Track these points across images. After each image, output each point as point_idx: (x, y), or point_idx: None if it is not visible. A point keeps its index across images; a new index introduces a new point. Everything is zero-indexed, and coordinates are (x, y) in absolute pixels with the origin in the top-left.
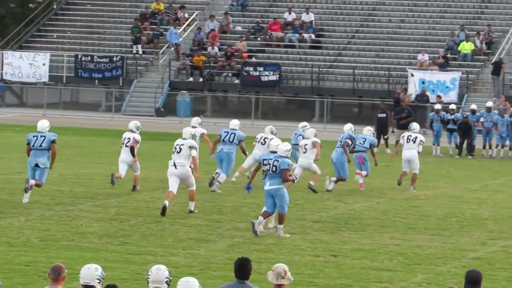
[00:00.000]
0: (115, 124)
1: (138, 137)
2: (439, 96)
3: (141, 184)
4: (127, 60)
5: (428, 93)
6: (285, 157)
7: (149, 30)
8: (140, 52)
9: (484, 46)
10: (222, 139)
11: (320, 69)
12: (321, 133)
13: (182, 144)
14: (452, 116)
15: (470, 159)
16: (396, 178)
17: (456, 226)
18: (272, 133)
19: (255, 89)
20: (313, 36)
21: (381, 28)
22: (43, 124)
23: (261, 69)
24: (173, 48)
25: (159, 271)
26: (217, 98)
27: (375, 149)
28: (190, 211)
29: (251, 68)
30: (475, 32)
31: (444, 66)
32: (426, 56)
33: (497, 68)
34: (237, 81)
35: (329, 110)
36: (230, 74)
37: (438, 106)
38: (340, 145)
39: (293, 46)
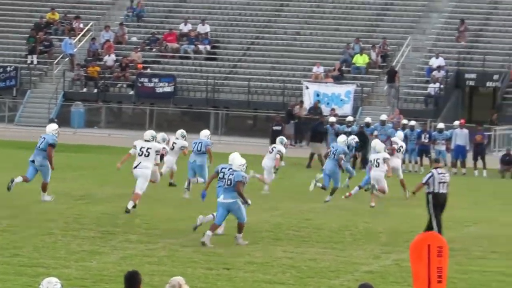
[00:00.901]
0: (9, 134)
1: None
2: (333, 109)
3: (35, 196)
4: (21, 70)
5: (322, 106)
6: (240, 171)
7: (44, 40)
8: (35, 62)
9: (379, 59)
10: (193, 149)
11: (215, 80)
12: (215, 145)
13: (150, 148)
14: (349, 129)
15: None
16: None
17: (349, 239)
18: (281, 143)
19: (150, 100)
20: (208, 47)
21: (276, 40)
22: (49, 128)
23: (156, 80)
24: (67, 59)
25: (49, 284)
26: (111, 109)
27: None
28: (127, 210)
29: (146, 79)
30: (371, 45)
31: (339, 78)
32: (321, 69)
33: (392, 75)
34: (131, 92)
35: (223, 122)
36: (124, 85)
37: (332, 119)
38: (334, 157)
39: (188, 58)
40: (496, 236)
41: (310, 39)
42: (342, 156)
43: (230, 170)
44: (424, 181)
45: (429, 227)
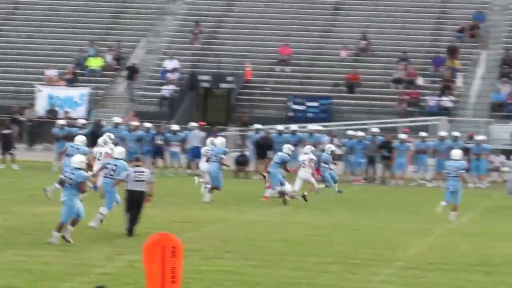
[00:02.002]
0: None
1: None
2: (67, 112)
3: None
4: None
5: (56, 108)
6: (80, 168)
7: None
8: None
9: (114, 61)
10: None
11: None
12: None
13: None
14: (82, 131)
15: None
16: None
17: (84, 242)
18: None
19: None
20: None
21: (8, 44)
22: None
23: None
24: None
25: None
26: None
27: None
28: None
29: None
30: (106, 48)
31: (73, 81)
32: (55, 72)
33: (132, 73)
34: None
35: None
36: None
37: (63, 122)
38: (217, 159)
39: None
40: (230, 235)
41: (43, 42)
42: (223, 156)
43: (71, 168)
44: (121, 177)
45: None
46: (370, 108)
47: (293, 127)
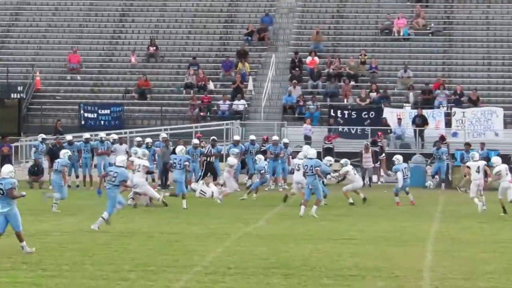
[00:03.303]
0: None
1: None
2: None
3: None
4: None
5: None
6: (9, 177)
7: None
8: None
9: None
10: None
11: None
12: None
13: None
14: None
15: None
16: None
17: None
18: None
19: None
20: None
21: None
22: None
23: None
24: None
25: None
26: None
27: None
28: None
29: None
30: None
31: None
32: None
33: None
34: None
35: None
36: None
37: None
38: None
39: None
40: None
41: None
42: (187, 163)
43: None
44: None
45: None
46: (163, 114)
47: (86, 135)
